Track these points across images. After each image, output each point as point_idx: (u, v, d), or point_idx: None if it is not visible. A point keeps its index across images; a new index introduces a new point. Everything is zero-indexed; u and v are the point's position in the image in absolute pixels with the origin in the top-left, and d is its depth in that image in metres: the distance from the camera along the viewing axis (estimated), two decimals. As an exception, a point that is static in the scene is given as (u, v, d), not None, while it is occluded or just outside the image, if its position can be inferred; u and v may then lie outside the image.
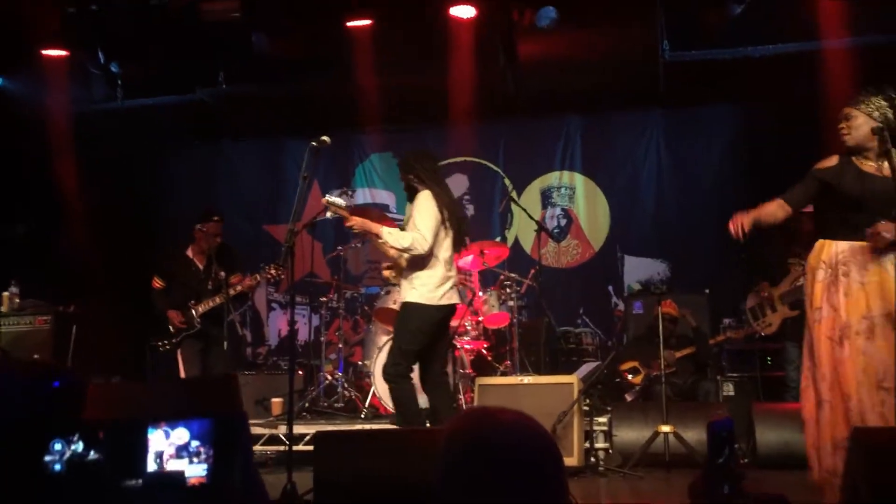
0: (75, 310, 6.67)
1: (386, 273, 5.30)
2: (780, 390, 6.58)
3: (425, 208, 4.95)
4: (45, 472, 1.61)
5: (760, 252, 6.54)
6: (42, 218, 8.21)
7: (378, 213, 7.18)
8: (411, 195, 5.15)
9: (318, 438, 3.46)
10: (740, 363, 7.20)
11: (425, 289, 4.92)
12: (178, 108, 8.51)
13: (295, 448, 4.95)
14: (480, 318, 6.97)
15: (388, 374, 4.98)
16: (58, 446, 1.62)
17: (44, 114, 7.85)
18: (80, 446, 1.63)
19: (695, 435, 5.33)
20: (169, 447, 1.78)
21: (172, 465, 1.78)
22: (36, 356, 6.28)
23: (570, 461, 5.24)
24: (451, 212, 5.02)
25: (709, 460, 2.25)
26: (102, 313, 7.27)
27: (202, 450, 1.79)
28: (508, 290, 6.90)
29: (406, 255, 5.02)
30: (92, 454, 1.64)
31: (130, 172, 9.19)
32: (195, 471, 1.79)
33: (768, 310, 6.46)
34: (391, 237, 4.91)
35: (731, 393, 6.51)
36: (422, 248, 4.86)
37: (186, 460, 1.79)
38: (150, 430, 1.76)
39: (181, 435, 1.78)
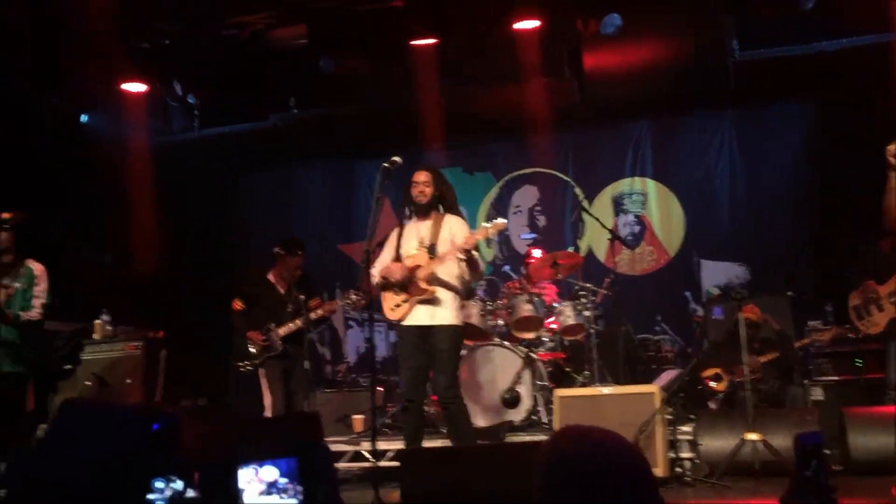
0: (164, 335, 6.89)
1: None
2: (876, 393, 6.29)
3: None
4: None
5: (868, 249, 6.29)
6: (126, 246, 8.51)
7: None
8: (424, 209, 5.08)
9: (404, 456, 3.50)
10: (829, 366, 6.97)
11: (457, 311, 5.04)
12: (252, 134, 8.76)
13: (379, 464, 5.00)
14: (556, 329, 6.93)
15: (448, 395, 4.96)
16: (159, 484, 1.71)
17: (125, 146, 8.17)
18: (178, 485, 1.71)
19: (783, 442, 5.18)
20: (259, 484, 1.86)
21: (263, 501, 1.86)
22: (128, 381, 6.52)
23: (656, 471, 5.16)
24: None
25: (797, 474, 2.22)
26: (187, 337, 7.50)
27: (290, 486, 1.87)
28: (584, 300, 6.85)
29: (444, 277, 4.97)
30: (189, 492, 1.72)
31: (207, 198, 9.48)
32: (284, 505, 1.87)
33: (874, 308, 6.19)
34: (478, 256, 4.99)
35: (821, 397, 6.31)
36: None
37: (276, 496, 1.87)
38: (241, 468, 1.84)
39: (270, 472, 1.86)
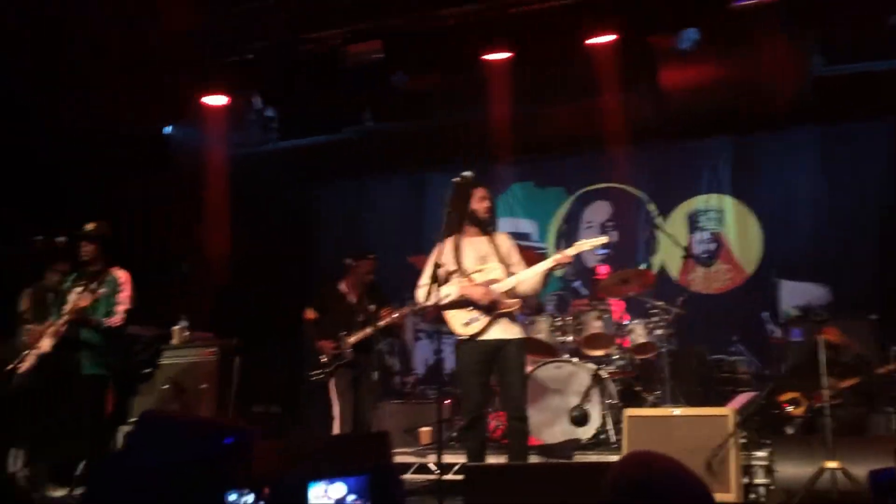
0: (238, 343, 7.04)
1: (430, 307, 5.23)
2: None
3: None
4: None
5: None
6: (203, 255, 8.74)
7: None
8: (485, 225, 5.07)
9: (469, 471, 3.49)
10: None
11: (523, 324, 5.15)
12: (327, 147, 8.93)
13: (444, 477, 5.00)
14: (627, 348, 6.84)
15: (522, 411, 4.95)
16: (233, 497, 1.74)
17: (205, 158, 8.41)
18: (250, 498, 1.75)
19: (865, 472, 4.98)
20: (328, 500, 1.89)
21: None
22: (204, 386, 6.68)
23: (728, 497, 5.03)
24: None
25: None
26: (260, 344, 7.64)
27: (357, 503, 1.89)
28: (656, 319, 6.73)
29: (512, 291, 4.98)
30: None
31: (282, 210, 9.68)
32: (351, 522, 1.89)
33: None
34: None
35: (905, 426, 6.04)
36: None
37: (344, 513, 1.89)
38: (311, 484, 1.87)
39: (339, 489, 1.88)
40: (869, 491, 4.27)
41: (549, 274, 5.03)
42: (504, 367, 4.92)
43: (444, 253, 4.86)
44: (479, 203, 5.04)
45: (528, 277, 4.95)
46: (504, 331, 4.93)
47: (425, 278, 4.92)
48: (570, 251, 4.93)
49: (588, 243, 4.95)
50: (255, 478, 1.77)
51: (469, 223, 5.05)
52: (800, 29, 6.72)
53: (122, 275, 5.78)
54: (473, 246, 5.04)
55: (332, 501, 1.90)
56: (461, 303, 4.95)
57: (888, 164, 8.11)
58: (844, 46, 6.88)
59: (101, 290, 5.59)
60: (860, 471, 4.98)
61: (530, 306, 6.96)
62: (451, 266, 4.97)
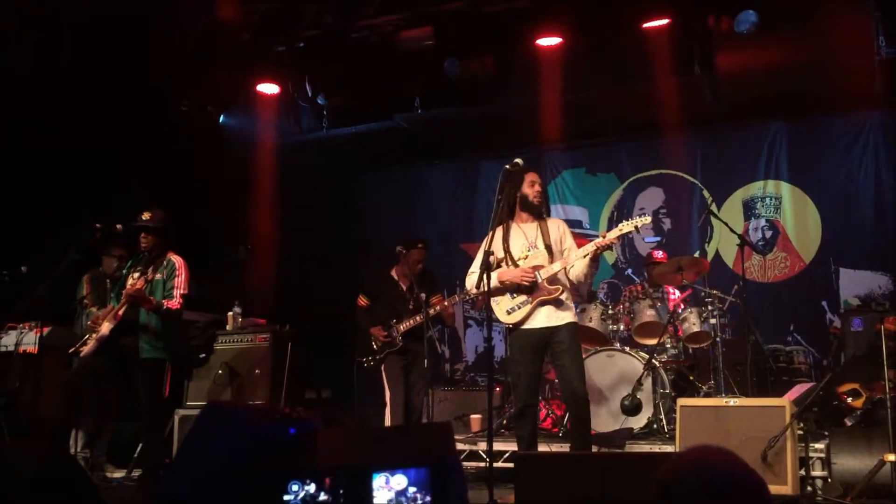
0: (290, 329, 7.13)
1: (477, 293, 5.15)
2: None
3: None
4: None
5: None
6: (256, 242, 8.85)
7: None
8: (537, 210, 5.03)
9: (520, 460, 3.48)
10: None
11: (574, 309, 5.02)
12: (378, 135, 8.94)
13: (494, 465, 4.99)
14: (680, 337, 6.74)
15: (584, 396, 4.87)
16: (294, 487, 1.77)
17: (257, 145, 8.51)
18: (311, 488, 1.77)
19: (928, 466, 4.84)
20: (388, 492, 1.90)
21: None
22: (257, 371, 6.79)
23: (784, 489, 4.93)
24: None
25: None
26: (311, 330, 7.72)
27: (419, 496, 1.89)
28: (710, 307, 6.62)
29: (560, 277, 4.92)
30: (322, 496, 1.77)
31: (333, 197, 9.74)
32: (412, 515, 1.90)
33: None
34: None
35: (971, 420, 5.83)
36: None
37: (404, 505, 1.90)
38: (372, 476, 1.88)
39: (399, 481, 1.89)
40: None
41: (597, 259, 4.92)
42: (556, 352, 4.86)
43: (494, 240, 4.83)
44: (529, 187, 5.01)
45: (571, 263, 4.89)
46: (550, 318, 4.87)
47: (475, 265, 4.90)
48: (612, 234, 4.81)
49: (630, 224, 4.79)
50: (317, 468, 1.78)
51: (520, 208, 5.03)
52: (863, 8, 6.50)
53: (178, 260, 5.89)
54: (522, 232, 5.01)
55: (393, 493, 1.91)
56: (506, 289, 4.92)
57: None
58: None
59: (158, 275, 5.71)
60: (923, 465, 4.84)
61: (581, 294, 6.90)
62: (501, 253, 4.94)
